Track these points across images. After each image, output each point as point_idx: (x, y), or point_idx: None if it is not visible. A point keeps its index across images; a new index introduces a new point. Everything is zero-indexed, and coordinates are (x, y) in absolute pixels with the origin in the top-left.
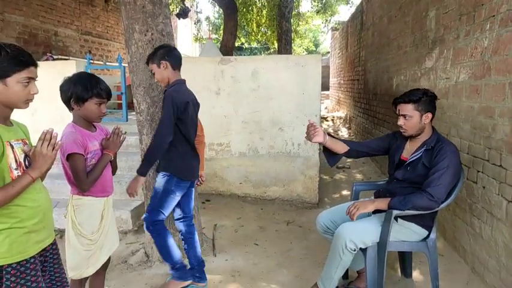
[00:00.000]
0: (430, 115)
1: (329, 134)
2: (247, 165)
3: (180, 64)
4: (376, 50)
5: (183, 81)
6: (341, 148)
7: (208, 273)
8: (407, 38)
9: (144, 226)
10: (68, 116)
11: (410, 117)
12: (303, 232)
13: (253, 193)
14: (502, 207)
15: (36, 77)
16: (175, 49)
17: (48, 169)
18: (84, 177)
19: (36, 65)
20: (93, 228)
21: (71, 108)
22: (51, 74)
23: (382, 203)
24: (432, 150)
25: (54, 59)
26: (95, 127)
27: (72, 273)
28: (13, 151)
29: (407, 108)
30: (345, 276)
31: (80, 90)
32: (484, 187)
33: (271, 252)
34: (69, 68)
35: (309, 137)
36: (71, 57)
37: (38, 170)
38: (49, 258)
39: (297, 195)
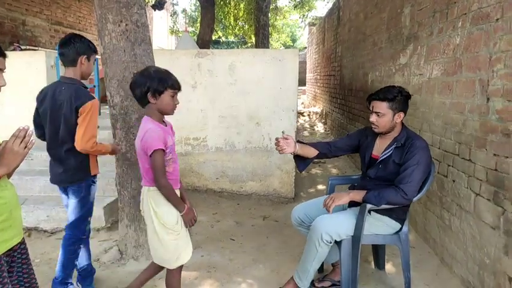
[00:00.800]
0: (402, 114)
1: (299, 141)
2: (224, 160)
3: (67, 61)
4: (352, 45)
5: (58, 80)
6: (312, 152)
7: (184, 270)
8: (382, 35)
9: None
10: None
11: (383, 115)
12: (279, 227)
13: (230, 188)
14: (470, 200)
15: (4, 68)
16: (65, 43)
17: (17, 167)
18: (164, 172)
19: (4, 56)
20: (175, 218)
21: (145, 103)
22: (19, 65)
23: (357, 195)
24: (403, 147)
25: (22, 50)
26: (164, 122)
27: (167, 265)
28: None
29: (382, 106)
30: (320, 269)
31: (156, 83)
32: (454, 181)
33: (248, 247)
34: (38, 58)
35: (278, 151)
36: (40, 48)
37: (6, 168)
38: (17, 258)
39: (274, 190)
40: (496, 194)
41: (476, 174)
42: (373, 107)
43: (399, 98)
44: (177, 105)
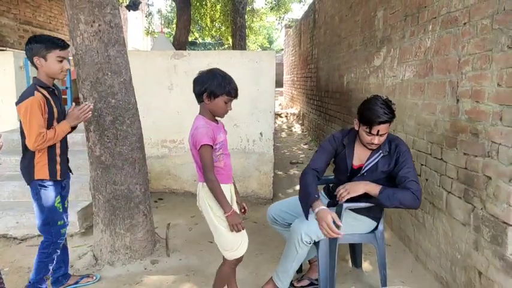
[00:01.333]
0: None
1: (313, 197)
2: None
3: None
4: (328, 48)
5: None
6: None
7: (162, 274)
8: (357, 37)
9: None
10: (3, 112)
11: (385, 133)
12: (258, 228)
13: None
14: (442, 198)
15: None
16: (25, 46)
17: None
18: (211, 166)
19: None
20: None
21: (200, 101)
22: None
23: (373, 189)
24: (389, 155)
25: None
26: (216, 120)
27: (225, 253)
28: None
29: (387, 126)
30: (299, 270)
31: (214, 86)
32: (427, 179)
33: None
34: (6, 59)
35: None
36: (8, 48)
37: None
38: None
39: (252, 191)
40: (466, 191)
41: (448, 173)
42: (378, 130)
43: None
44: (158, 108)
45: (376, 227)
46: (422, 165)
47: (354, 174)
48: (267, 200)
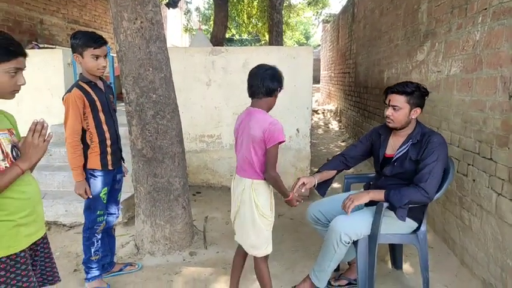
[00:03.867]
0: (418, 110)
1: (318, 170)
2: None
3: None
4: (367, 43)
5: None
6: (330, 175)
7: (200, 266)
8: (398, 31)
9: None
10: (53, 107)
11: (400, 109)
12: (294, 224)
13: None
14: (491, 200)
15: (25, 67)
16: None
17: (38, 161)
18: (276, 163)
19: (25, 55)
20: (271, 209)
21: (269, 95)
22: (37, 63)
23: (377, 195)
24: (419, 144)
25: (40, 48)
26: None
27: (256, 252)
28: None
29: (399, 100)
30: (336, 268)
31: (282, 84)
32: (474, 180)
33: None
34: (55, 57)
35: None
36: (57, 46)
37: (28, 162)
38: (40, 252)
39: (288, 187)
40: None
41: (498, 174)
42: (390, 100)
43: (417, 93)
44: (196, 103)
45: (418, 228)
46: (469, 165)
47: (387, 163)
48: (303, 196)
